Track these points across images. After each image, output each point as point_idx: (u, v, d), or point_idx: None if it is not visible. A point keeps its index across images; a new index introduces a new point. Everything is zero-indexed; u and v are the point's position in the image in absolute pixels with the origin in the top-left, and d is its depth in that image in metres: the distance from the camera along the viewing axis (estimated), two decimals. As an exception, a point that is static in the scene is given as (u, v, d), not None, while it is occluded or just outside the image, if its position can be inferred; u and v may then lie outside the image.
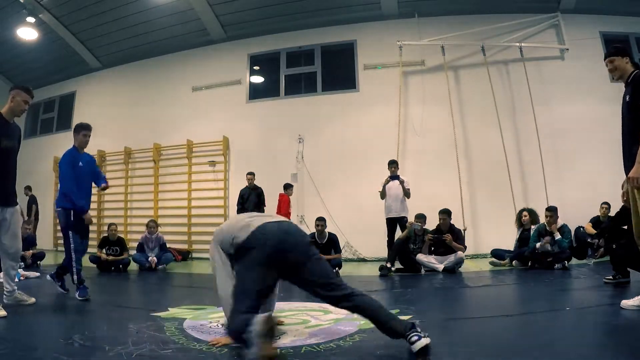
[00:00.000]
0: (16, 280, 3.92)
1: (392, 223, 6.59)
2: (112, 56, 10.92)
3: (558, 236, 5.80)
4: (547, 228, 5.90)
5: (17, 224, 3.55)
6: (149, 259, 6.86)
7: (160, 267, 6.89)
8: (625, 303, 2.98)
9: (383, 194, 6.64)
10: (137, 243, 7.24)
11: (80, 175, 4.12)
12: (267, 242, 2.27)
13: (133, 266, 7.25)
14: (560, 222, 6.00)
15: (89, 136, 4.24)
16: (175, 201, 9.77)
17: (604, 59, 3.14)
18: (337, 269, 5.77)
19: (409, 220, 6.34)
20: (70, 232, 4.03)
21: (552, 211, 5.93)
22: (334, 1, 9.02)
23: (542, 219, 6.24)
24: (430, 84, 8.57)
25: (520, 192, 7.92)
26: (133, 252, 8.64)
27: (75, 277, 3.97)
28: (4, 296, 3.60)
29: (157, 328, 2.76)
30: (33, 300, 3.71)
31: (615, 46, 3.13)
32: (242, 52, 9.81)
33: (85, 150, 4.37)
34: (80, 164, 4.14)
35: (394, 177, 6.57)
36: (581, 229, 7.36)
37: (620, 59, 3.04)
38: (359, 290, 2.33)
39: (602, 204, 7.00)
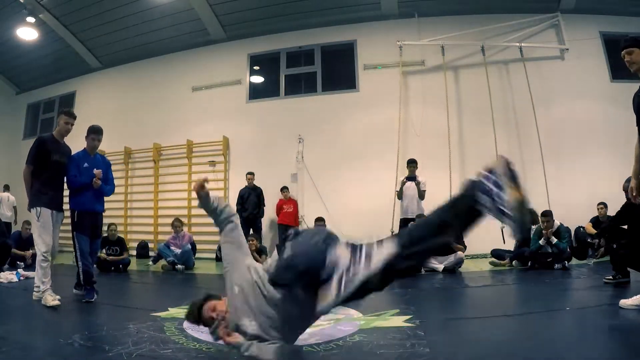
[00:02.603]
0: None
1: (407, 224, 6.57)
2: (112, 56, 10.91)
3: (555, 240, 5.80)
4: (544, 232, 5.90)
5: (58, 228, 3.99)
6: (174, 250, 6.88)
7: (178, 266, 6.74)
8: (623, 302, 2.97)
9: (400, 195, 6.72)
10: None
11: (85, 177, 4.13)
12: None
13: (133, 266, 7.26)
14: (557, 222, 5.99)
15: (97, 140, 4.33)
16: (175, 201, 9.76)
17: (621, 50, 2.94)
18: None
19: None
20: (74, 232, 4.04)
21: (547, 216, 5.89)
22: (334, 1, 9.01)
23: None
24: (430, 84, 8.56)
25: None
26: (133, 252, 8.67)
27: (81, 277, 3.97)
28: (33, 291, 3.76)
29: (157, 328, 2.76)
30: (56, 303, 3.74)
31: (633, 37, 2.93)
32: (242, 52, 9.80)
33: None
34: (86, 164, 4.16)
35: (410, 178, 6.63)
36: (581, 229, 7.36)
37: (639, 51, 2.85)
38: None
39: (598, 204, 7.01)
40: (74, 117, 4.12)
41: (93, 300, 3.85)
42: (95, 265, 6.31)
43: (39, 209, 3.73)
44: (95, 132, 4.33)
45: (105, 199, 4.37)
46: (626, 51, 2.90)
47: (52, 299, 3.53)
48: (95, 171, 4.09)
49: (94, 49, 10.82)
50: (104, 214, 4.43)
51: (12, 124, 12.24)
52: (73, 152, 4.27)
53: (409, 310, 3.25)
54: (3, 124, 12.25)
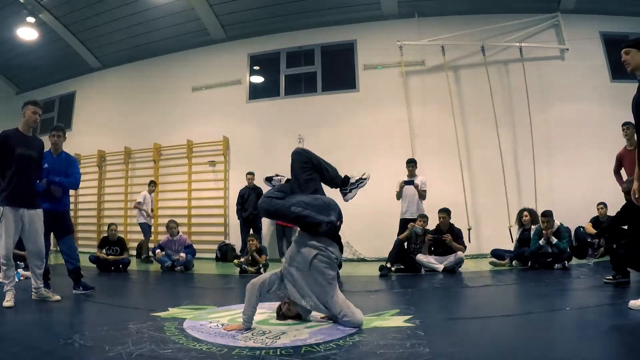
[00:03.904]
0: (16, 280, 3.94)
1: (407, 224, 6.52)
2: (112, 56, 10.92)
3: (555, 240, 5.80)
4: (544, 232, 5.90)
5: (37, 225, 3.79)
6: (156, 255, 6.74)
7: (177, 268, 6.65)
8: (633, 303, 2.92)
9: (399, 196, 6.72)
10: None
11: (44, 175, 4.13)
12: None
13: (133, 266, 7.25)
14: (557, 222, 5.99)
15: (57, 136, 4.27)
16: (175, 201, 9.76)
17: (622, 50, 3.03)
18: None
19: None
20: None
21: (547, 216, 5.89)
22: (334, 1, 9.02)
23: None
24: (431, 84, 8.57)
25: (521, 192, 7.92)
26: (133, 252, 8.67)
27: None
28: (32, 292, 3.79)
29: (157, 328, 2.76)
30: (58, 297, 3.81)
31: (635, 39, 3.03)
32: (242, 52, 9.81)
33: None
34: (45, 165, 4.14)
35: (408, 182, 6.66)
36: (581, 229, 7.37)
37: (636, 52, 2.92)
38: None
39: (598, 204, 7.01)
40: (41, 107, 4.02)
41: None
42: (96, 264, 6.27)
43: (2, 208, 3.60)
44: (54, 129, 4.27)
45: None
46: (624, 51, 2.99)
47: (7, 300, 3.50)
48: (39, 182, 4.02)
49: (94, 49, 10.83)
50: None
51: (12, 124, 12.16)
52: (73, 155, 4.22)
53: (409, 310, 3.25)
54: (3, 124, 12.20)
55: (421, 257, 6.04)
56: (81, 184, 11.62)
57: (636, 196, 2.96)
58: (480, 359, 2.12)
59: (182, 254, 6.69)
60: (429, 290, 4.72)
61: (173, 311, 3.33)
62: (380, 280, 5.43)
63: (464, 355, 2.13)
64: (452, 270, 5.84)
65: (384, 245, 6.64)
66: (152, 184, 8.93)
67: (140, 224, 8.54)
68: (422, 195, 6.66)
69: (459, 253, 5.93)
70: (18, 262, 6.74)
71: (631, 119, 3.01)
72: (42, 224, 3.83)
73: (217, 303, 3.72)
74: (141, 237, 9.69)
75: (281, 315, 2.90)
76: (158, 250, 6.79)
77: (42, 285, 3.82)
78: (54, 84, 11.79)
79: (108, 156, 10.60)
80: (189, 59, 10.20)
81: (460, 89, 8.51)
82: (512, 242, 7.32)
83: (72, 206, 10.76)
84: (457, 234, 6.13)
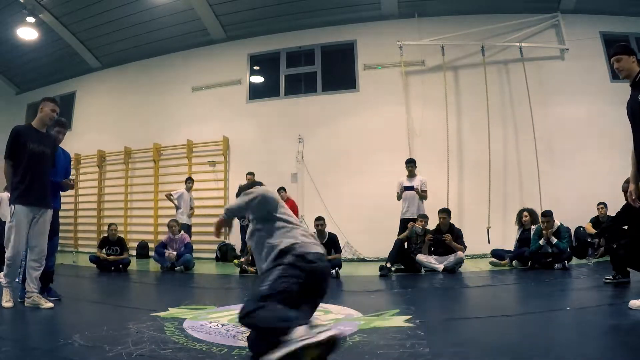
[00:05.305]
0: (16, 280, 3.94)
1: (407, 224, 6.52)
2: (112, 56, 10.92)
3: (555, 240, 5.80)
4: (544, 232, 5.90)
5: (43, 226, 3.63)
6: (166, 254, 6.69)
7: (177, 268, 6.66)
8: (633, 303, 2.92)
9: (399, 196, 6.80)
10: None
11: None
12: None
13: (133, 266, 7.25)
14: (557, 222, 5.99)
15: (62, 133, 4.14)
16: (176, 201, 9.76)
17: (610, 58, 3.10)
18: (337, 269, 5.76)
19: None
20: None
21: (547, 216, 5.89)
22: (334, 1, 9.02)
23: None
24: (430, 83, 8.57)
25: (520, 192, 7.92)
26: (133, 252, 8.66)
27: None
28: (25, 298, 3.60)
29: (157, 328, 2.76)
30: (50, 305, 3.58)
31: (621, 45, 3.10)
32: (242, 52, 9.81)
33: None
34: None
35: (408, 188, 6.67)
36: (581, 229, 7.37)
37: (627, 57, 2.99)
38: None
39: (598, 204, 7.01)
40: (59, 106, 3.89)
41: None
42: (96, 264, 6.20)
43: (13, 207, 3.47)
44: (61, 125, 4.12)
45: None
46: (615, 59, 3.04)
47: (6, 300, 3.45)
48: (65, 182, 3.93)
49: (94, 49, 10.83)
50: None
51: (12, 124, 12.16)
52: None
53: (409, 310, 3.25)
54: (3, 124, 12.24)
55: (421, 257, 6.04)
56: (81, 184, 11.59)
57: (632, 197, 3.00)
58: (480, 359, 2.12)
59: (173, 253, 6.72)
60: (429, 290, 4.72)
61: (173, 311, 3.33)
62: (380, 280, 5.43)
63: (464, 355, 2.13)
64: (452, 270, 5.84)
65: (384, 245, 6.64)
66: (190, 181, 8.37)
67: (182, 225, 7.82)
68: (422, 196, 6.69)
69: (459, 253, 5.93)
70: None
71: None
72: (49, 226, 3.70)
73: (217, 303, 3.73)
74: (141, 237, 9.68)
75: None
76: (170, 252, 6.76)
77: (37, 290, 3.62)
78: (54, 84, 11.79)
79: (108, 156, 10.60)
80: (189, 59, 10.20)
81: (460, 88, 8.51)
82: (489, 242, 7.33)
83: (72, 206, 10.82)
84: (457, 234, 6.13)
